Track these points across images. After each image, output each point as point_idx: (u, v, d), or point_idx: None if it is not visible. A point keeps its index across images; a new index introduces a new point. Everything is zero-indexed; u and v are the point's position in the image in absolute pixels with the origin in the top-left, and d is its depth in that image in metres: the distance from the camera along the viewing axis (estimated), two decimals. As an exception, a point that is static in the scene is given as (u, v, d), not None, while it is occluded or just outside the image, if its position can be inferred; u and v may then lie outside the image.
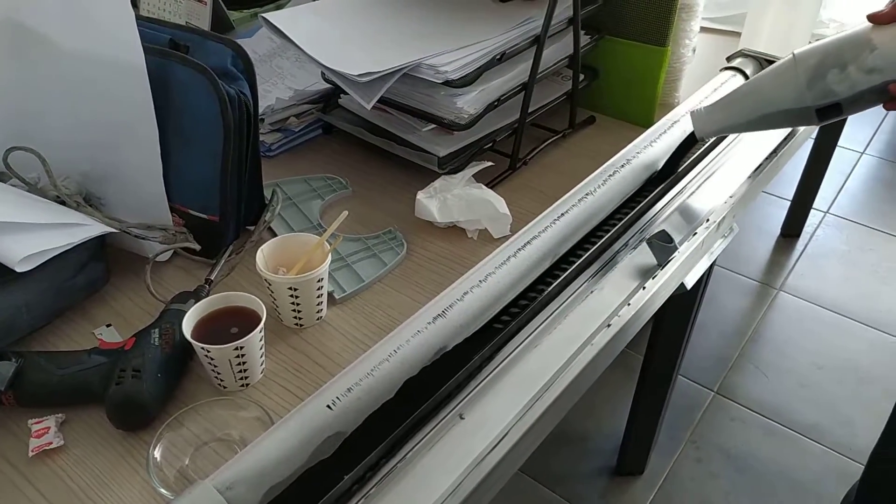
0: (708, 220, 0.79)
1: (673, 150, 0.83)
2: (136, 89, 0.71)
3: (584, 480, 1.41)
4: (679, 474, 1.42)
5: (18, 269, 0.63)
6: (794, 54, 0.68)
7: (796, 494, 1.38)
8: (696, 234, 0.77)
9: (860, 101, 0.65)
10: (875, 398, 1.56)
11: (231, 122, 0.73)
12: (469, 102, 0.85)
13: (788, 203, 2.04)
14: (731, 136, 0.94)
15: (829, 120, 0.67)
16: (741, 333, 1.74)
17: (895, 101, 0.65)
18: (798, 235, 2.05)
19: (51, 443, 0.59)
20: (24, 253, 0.63)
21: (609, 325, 0.65)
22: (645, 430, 1.33)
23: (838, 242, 2.03)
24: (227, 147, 0.74)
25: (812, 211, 2.05)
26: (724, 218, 0.82)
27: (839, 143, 1.85)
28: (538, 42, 0.88)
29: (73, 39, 0.73)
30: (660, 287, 0.70)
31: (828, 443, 1.48)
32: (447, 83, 0.82)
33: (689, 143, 0.80)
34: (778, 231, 2.06)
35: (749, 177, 0.89)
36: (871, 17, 0.64)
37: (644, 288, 0.68)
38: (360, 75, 0.80)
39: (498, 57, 0.85)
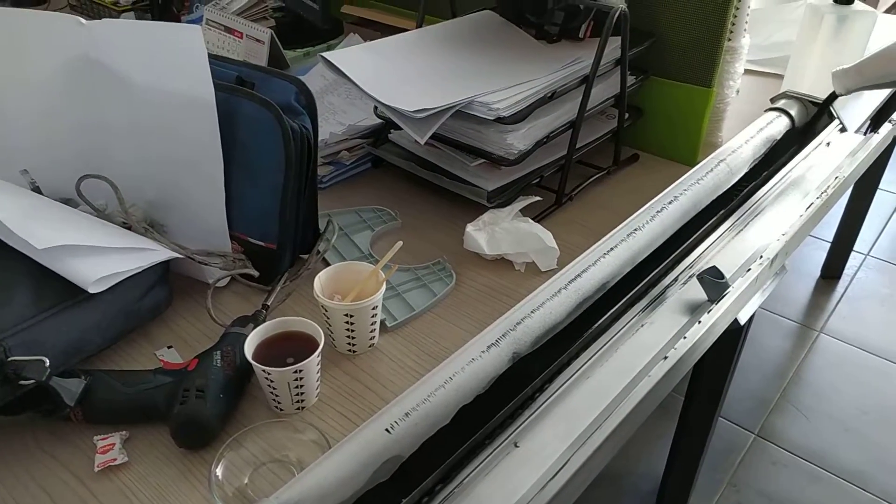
0: (762, 256, 0.80)
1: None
2: (205, 123, 0.74)
3: (621, 521, 1.39)
4: (719, 518, 1.39)
5: (91, 290, 0.66)
6: None
7: (842, 543, 1.34)
8: (749, 269, 0.77)
9: None
10: (923, 446, 1.52)
11: (293, 155, 0.76)
12: (519, 139, 0.88)
13: (828, 245, 2.02)
14: (777, 178, 0.95)
15: None
16: (782, 375, 1.71)
17: None
18: (838, 277, 2.02)
19: (115, 459, 0.61)
20: (96, 275, 0.66)
21: (666, 358, 0.65)
22: (685, 472, 1.31)
23: (879, 285, 2.00)
24: (288, 179, 0.77)
25: (852, 253, 2.02)
26: (777, 255, 0.82)
27: (880, 185, 1.84)
28: (587, 81, 0.90)
29: (145, 74, 0.77)
30: (715, 321, 0.71)
31: (874, 490, 1.43)
32: (499, 120, 0.84)
33: (830, 99, 1.03)
34: (818, 272, 2.03)
35: (801, 215, 0.89)
36: None
37: (699, 322, 0.69)
38: (415, 111, 0.83)
39: (549, 95, 0.88)
